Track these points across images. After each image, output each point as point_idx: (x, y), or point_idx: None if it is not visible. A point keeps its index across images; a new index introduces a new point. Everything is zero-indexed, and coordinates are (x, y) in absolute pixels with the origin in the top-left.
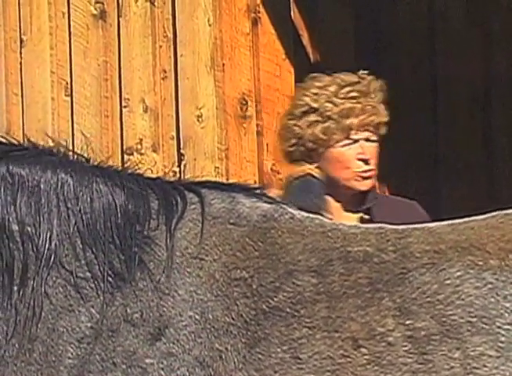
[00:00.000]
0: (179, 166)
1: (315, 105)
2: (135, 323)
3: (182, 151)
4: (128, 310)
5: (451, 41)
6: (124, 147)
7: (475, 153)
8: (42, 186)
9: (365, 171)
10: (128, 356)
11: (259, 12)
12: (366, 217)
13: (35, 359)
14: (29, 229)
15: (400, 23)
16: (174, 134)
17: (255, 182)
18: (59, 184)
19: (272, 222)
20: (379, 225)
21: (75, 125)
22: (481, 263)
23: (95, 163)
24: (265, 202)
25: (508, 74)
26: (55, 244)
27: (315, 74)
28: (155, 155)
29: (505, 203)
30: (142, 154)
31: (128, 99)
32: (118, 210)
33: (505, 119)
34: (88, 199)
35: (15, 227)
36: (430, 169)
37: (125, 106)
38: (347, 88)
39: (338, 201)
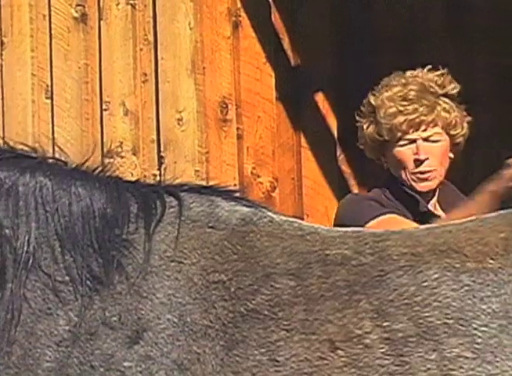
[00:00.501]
0: (159, 169)
1: (373, 104)
2: (113, 327)
3: (162, 154)
4: (107, 313)
5: (430, 46)
6: (105, 150)
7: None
8: (21, 189)
9: (422, 172)
10: (106, 359)
11: (240, 15)
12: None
13: (13, 362)
14: (7, 231)
15: (380, 27)
16: (155, 137)
17: (235, 186)
18: (38, 187)
19: (251, 226)
20: (357, 228)
21: (55, 128)
22: (458, 266)
23: (74, 166)
24: (244, 205)
25: (489, 80)
26: (34, 247)
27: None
28: (135, 158)
29: None
30: (122, 157)
31: (109, 102)
32: (97, 213)
33: (488, 123)
34: (67, 202)
35: None
36: None
37: (106, 109)
38: (406, 89)
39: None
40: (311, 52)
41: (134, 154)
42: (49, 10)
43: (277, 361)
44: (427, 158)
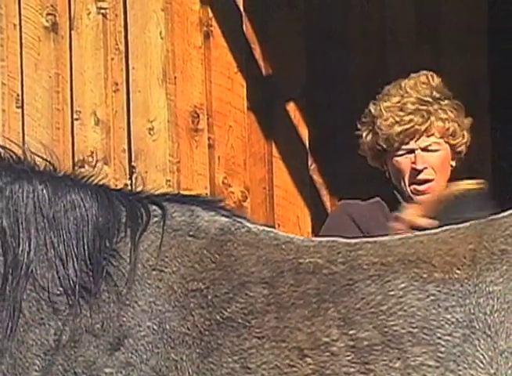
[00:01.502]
0: (131, 179)
1: (373, 113)
2: (96, 334)
3: (133, 164)
4: (90, 321)
5: (402, 57)
6: (76, 160)
7: None
8: (19, 195)
9: (420, 183)
10: (89, 365)
11: (211, 25)
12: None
13: (3, 371)
14: (9, 238)
15: (351, 39)
16: (126, 146)
17: (207, 196)
18: (36, 193)
19: (229, 235)
20: (333, 238)
21: (26, 137)
22: (425, 276)
23: (64, 173)
24: (223, 216)
25: (457, 88)
26: (33, 255)
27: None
28: (106, 168)
29: None
30: (93, 167)
31: (80, 112)
32: (90, 222)
33: None
34: (63, 209)
35: None
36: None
37: (77, 119)
38: (404, 99)
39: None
40: (282, 62)
41: (105, 164)
42: (20, 19)
43: (249, 368)
44: (425, 168)
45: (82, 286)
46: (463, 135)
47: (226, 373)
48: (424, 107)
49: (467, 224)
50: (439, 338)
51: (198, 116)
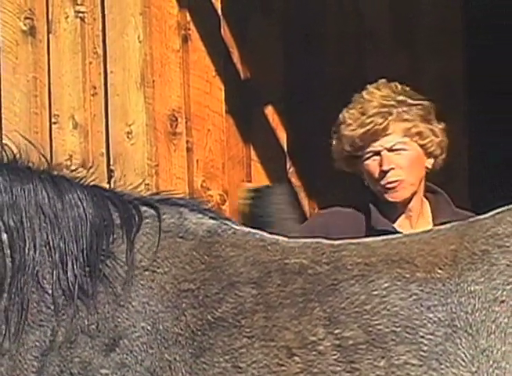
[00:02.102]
0: (109, 183)
1: (339, 119)
2: (91, 335)
3: (111, 168)
4: (86, 322)
5: (379, 60)
6: (54, 164)
7: None
8: (22, 194)
9: (389, 183)
10: (84, 366)
11: (189, 29)
12: None
13: (2, 373)
14: (15, 238)
15: (329, 42)
16: (104, 150)
17: (193, 198)
18: (36, 192)
19: (216, 237)
20: (317, 239)
21: (4, 141)
22: (408, 275)
23: (58, 173)
24: (210, 218)
25: (433, 90)
26: (38, 255)
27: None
28: (84, 172)
29: None
30: (71, 171)
31: (58, 116)
32: (88, 222)
33: None
34: (63, 208)
35: (4, 236)
36: (359, 185)
37: (55, 123)
38: (367, 104)
39: (398, 214)
40: (260, 66)
41: (83, 168)
42: None
43: (240, 368)
44: (392, 168)
45: (80, 287)
46: (434, 135)
47: (218, 372)
48: (385, 109)
49: (449, 225)
50: (422, 336)
51: (176, 119)
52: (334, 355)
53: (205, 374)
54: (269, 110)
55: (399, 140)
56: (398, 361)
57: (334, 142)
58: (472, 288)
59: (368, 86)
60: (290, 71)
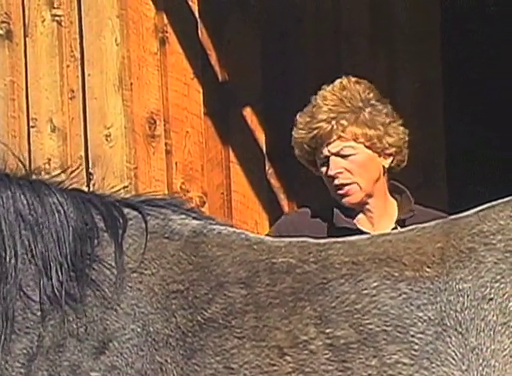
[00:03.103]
0: (88, 186)
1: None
2: (80, 338)
3: (90, 171)
4: (74, 325)
5: (356, 62)
6: (32, 167)
7: None
8: (0, 201)
9: (339, 188)
10: (73, 370)
11: (167, 31)
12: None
13: None
14: None
15: (306, 44)
16: (83, 153)
17: (175, 199)
18: (15, 199)
19: (202, 237)
20: (302, 238)
21: None
22: (396, 274)
23: (36, 177)
24: (194, 218)
25: (411, 92)
26: (19, 263)
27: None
28: (63, 175)
29: None
30: (50, 175)
31: (36, 119)
32: (70, 227)
33: (409, 136)
34: (43, 214)
35: None
36: None
37: (33, 126)
38: (316, 107)
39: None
40: (238, 68)
41: (62, 171)
42: None
43: (232, 368)
44: (340, 172)
45: (67, 292)
46: (387, 135)
47: (210, 374)
48: (333, 115)
49: (433, 223)
50: (413, 335)
51: (155, 122)
52: (326, 354)
53: (197, 375)
54: (248, 112)
55: (345, 144)
56: (389, 360)
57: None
58: (461, 286)
59: (324, 87)
60: (268, 72)
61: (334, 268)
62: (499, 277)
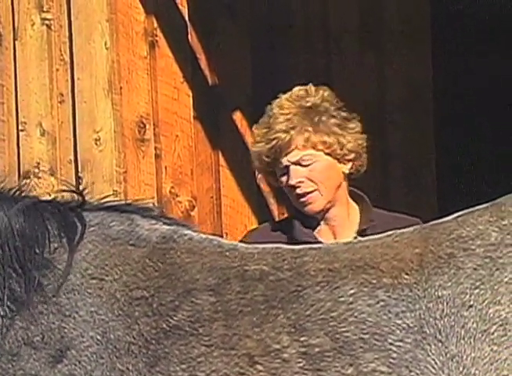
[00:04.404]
0: (77, 189)
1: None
2: (36, 346)
3: (80, 174)
4: (29, 334)
5: (346, 64)
6: (22, 171)
7: (370, 172)
8: None
9: (301, 196)
10: None
11: (156, 35)
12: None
13: None
14: None
15: (295, 47)
16: (72, 157)
17: (148, 203)
18: None
19: (171, 243)
20: (276, 245)
21: None
22: (374, 281)
23: None
24: (164, 223)
25: (401, 96)
26: None
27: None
28: (53, 179)
29: None
30: (39, 178)
31: (25, 123)
32: (16, 233)
33: (398, 139)
34: None
35: None
36: None
37: (22, 130)
38: (272, 118)
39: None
40: (228, 71)
41: (51, 175)
42: None
43: None
44: (301, 182)
45: (13, 296)
46: (345, 140)
47: None
48: (291, 124)
49: (411, 229)
50: (391, 343)
51: (144, 126)
52: (300, 362)
53: None
54: (237, 116)
55: (305, 153)
56: (366, 368)
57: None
58: (440, 293)
59: (279, 95)
60: (258, 76)
61: (309, 275)
62: (478, 283)
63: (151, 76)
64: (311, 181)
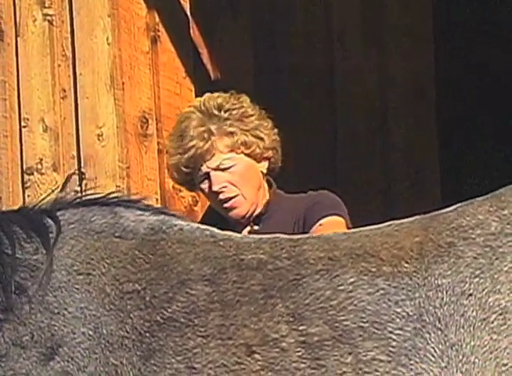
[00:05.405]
0: (80, 185)
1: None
2: (25, 346)
3: (82, 170)
4: (17, 334)
5: (348, 61)
6: (25, 167)
7: (373, 168)
8: None
9: (225, 202)
10: None
11: (158, 30)
12: (255, 228)
13: None
14: None
15: (298, 43)
16: (75, 153)
17: (157, 201)
18: None
19: (161, 234)
20: (274, 235)
21: None
22: (374, 270)
23: None
24: (151, 214)
25: (403, 91)
26: None
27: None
28: (55, 174)
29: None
30: (42, 174)
31: (28, 119)
32: None
33: (401, 136)
34: None
35: None
36: (329, 185)
37: (25, 126)
38: (184, 125)
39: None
40: (230, 66)
41: (54, 171)
42: None
43: (194, 368)
44: (224, 186)
45: None
46: (260, 140)
47: (170, 374)
48: (203, 128)
49: (411, 219)
50: (390, 332)
51: (147, 121)
52: (298, 351)
53: (156, 375)
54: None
55: (224, 157)
56: (365, 357)
57: (167, 172)
58: (439, 282)
59: (189, 104)
60: (260, 70)
61: (309, 263)
62: (478, 272)
63: (153, 71)
64: (234, 185)
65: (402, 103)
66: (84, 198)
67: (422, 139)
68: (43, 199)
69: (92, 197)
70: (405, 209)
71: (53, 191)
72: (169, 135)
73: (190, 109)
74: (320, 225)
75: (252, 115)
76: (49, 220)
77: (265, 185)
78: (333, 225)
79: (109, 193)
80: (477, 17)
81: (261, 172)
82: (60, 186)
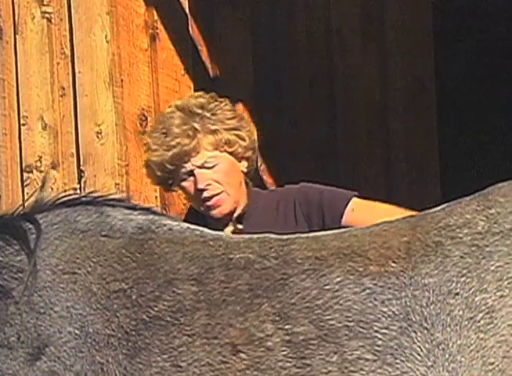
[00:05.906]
0: (79, 183)
1: (147, 148)
2: (11, 347)
3: (82, 168)
4: (2, 335)
5: (348, 57)
6: (24, 165)
7: (374, 165)
8: None
9: (209, 200)
10: None
11: (157, 28)
12: (239, 227)
13: None
14: None
15: (297, 40)
16: (74, 151)
17: (156, 198)
18: None
19: (150, 234)
20: (264, 234)
21: None
22: (361, 269)
23: None
24: (140, 214)
25: (403, 88)
26: None
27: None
28: (55, 172)
29: None
30: (41, 172)
31: (27, 117)
32: None
33: (402, 132)
34: None
35: None
36: (330, 183)
37: (24, 124)
38: (167, 123)
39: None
40: (229, 64)
41: (53, 168)
42: None
43: (180, 366)
44: (209, 184)
45: None
46: (241, 140)
47: (156, 372)
48: (188, 126)
49: (400, 217)
50: (376, 331)
51: (146, 118)
52: (284, 351)
53: (141, 374)
54: (239, 108)
55: (209, 155)
56: (351, 356)
57: (145, 171)
58: (426, 281)
59: (171, 104)
60: (259, 68)
61: (296, 263)
62: (465, 271)
63: (152, 68)
64: (218, 183)
65: (402, 100)
66: (66, 198)
67: (422, 134)
68: (23, 203)
69: (75, 196)
70: (405, 208)
71: (33, 194)
72: (150, 133)
73: (171, 108)
74: (352, 210)
75: (234, 117)
76: (28, 224)
77: (244, 185)
78: (363, 206)
79: (92, 192)
80: (477, 12)
81: (242, 171)
82: (38, 189)
